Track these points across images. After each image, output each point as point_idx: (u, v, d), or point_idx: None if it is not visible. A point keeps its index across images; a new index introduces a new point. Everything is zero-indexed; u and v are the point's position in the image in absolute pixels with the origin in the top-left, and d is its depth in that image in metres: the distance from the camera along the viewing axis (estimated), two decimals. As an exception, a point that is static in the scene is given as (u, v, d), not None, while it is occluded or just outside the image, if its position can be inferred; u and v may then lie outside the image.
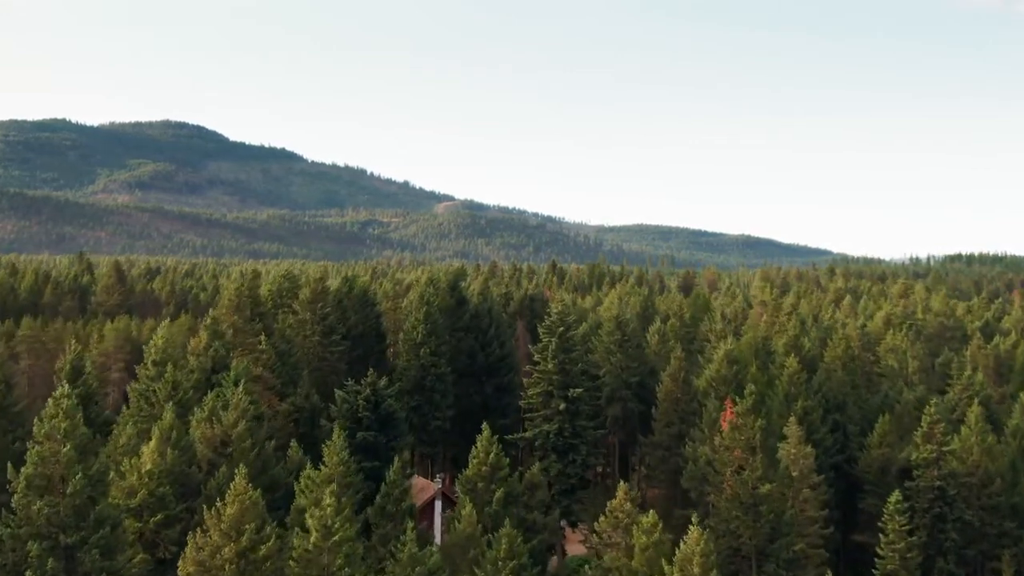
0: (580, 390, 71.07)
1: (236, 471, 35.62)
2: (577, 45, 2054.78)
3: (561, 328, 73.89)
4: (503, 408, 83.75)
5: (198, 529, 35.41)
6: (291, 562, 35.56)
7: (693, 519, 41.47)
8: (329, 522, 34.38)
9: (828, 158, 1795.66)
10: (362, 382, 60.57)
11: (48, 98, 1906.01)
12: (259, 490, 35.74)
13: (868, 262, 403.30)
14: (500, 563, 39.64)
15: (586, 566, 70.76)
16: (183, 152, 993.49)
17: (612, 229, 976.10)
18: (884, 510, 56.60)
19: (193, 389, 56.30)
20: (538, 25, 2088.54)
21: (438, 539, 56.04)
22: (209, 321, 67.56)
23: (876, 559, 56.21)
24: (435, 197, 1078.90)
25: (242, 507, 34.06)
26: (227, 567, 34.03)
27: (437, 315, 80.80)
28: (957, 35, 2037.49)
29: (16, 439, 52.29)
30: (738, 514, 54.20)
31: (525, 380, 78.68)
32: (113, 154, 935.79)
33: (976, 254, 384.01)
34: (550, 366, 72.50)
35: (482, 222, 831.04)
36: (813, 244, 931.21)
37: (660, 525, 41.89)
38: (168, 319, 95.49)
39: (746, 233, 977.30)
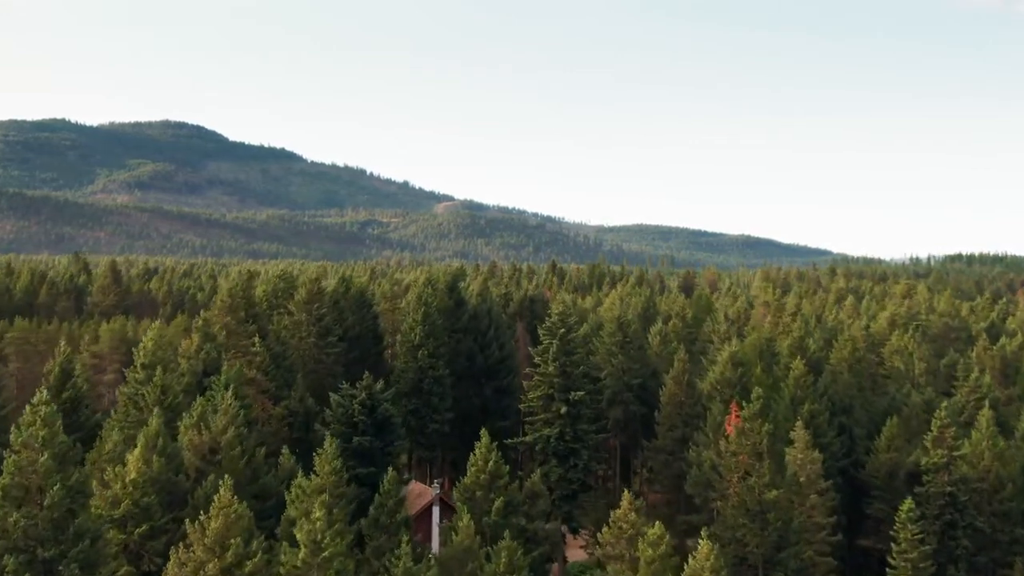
0: (582, 393, 69.53)
1: (221, 482, 33.94)
2: (577, 45, 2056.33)
3: (562, 330, 72.34)
4: (503, 411, 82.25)
5: (180, 544, 33.75)
6: (279, 578, 33.97)
7: (703, 533, 39.81)
8: (318, 537, 32.72)
9: (828, 158, 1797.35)
10: (357, 385, 58.94)
11: (48, 98, 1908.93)
12: (245, 503, 34.04)
13: (868, 262, 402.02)
14: (499, 576, 38.01)
15: (587, 574, 69.33)
16: (182, 152, 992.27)
17: (612, 229, 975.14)
18: (896, 518, 55.01)
19: (183, 393, 54.69)
20: (538, 25, 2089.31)
21: (435, 547, 54.42)
22: (200, 323, 65.87)
23: (888, 568, 54.64)
24: (435, 197, 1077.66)
25: (227, 521, 32.41)
26: (212, 584, 32.44)
27: (435, 316, 79.23)
28: (957, 35, 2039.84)
29: None
30: (744, 522, 52.64)
31: (525, 382, 77.15)
32: (112, 154, 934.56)
33: (976, 254, 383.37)
34: (551, 369, 70.95)
35: (482, 222, 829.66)
36: (813, 244, 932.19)
37: (667, 537, 40.22)
38: (162, 320, 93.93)
39: (746, 233, 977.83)
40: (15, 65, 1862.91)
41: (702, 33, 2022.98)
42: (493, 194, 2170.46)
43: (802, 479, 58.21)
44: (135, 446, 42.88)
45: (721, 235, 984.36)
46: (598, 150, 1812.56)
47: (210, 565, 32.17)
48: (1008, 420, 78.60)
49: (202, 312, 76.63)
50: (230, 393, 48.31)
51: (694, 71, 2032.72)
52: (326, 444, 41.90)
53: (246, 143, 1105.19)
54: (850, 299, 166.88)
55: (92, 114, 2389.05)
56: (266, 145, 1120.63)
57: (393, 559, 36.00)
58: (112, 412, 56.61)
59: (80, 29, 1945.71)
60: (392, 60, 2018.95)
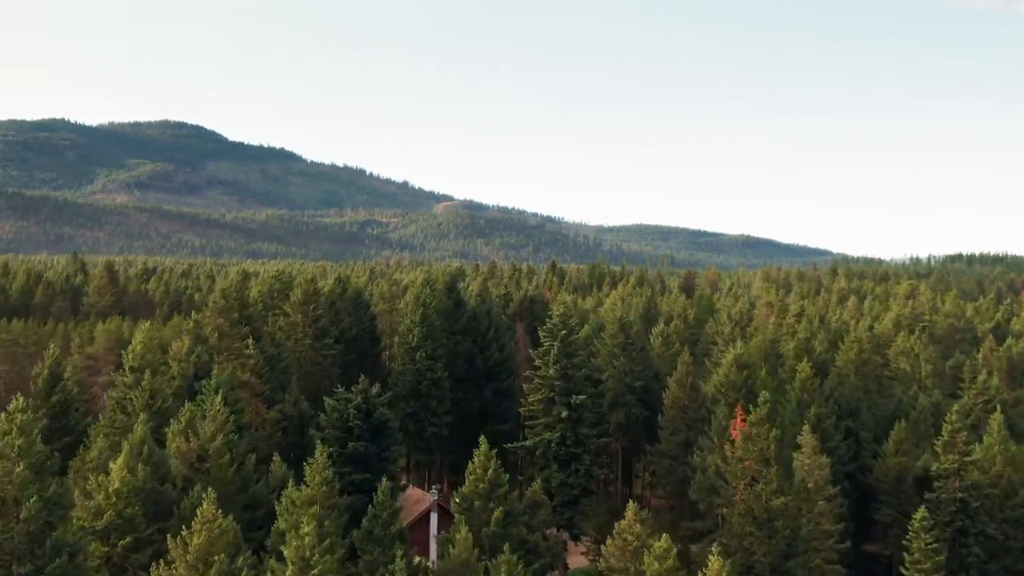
0: (583, 397, 67.99)
1: (204, 495, 32.23)
2: (577, 45, 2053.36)
3: (563, 332, 70.78)
4: (502, 413, 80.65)
5: (161, 560, 32.05)
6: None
7: (714, 549, 38.11)
8: (307, 553, 31.04)
9: (828, 158, 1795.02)
10: (353, 389, 57.26)
11: (47, 98, 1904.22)
12: (231, 516, 32.30)
13: (868, 262, 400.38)
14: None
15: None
16: (182, 152, 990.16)
17: (611, 229, 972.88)
18: (909, 527, 53.39)
19: (173, 397, 53.01)
20: (538, 25, 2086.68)
21: (433, 557, 52.80)
22: (192, 324, 64.12)
23: (900, 577, 53.12)
24: (434, 197, 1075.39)
25: (211, 536, 30.72)
26: (196, 600, 30.80)
27: (434, 317, 77.58)
28: (957, 35, 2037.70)
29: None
30: (751, 530, 50.99)
31: (525, 385, 75.53)
32: (112, 154, 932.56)
33: (977, 254, 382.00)
34: (551, 371, 69.39)
35: (481, 222, 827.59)
36: (813, 244, 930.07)
37: (674, 550, 38.53)
38: (155, 320, 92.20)
39: (746, 233, 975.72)
40: (15, 65, 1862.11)
41: (702, 33, 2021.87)
42: (493, 194, 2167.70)
43: (810, 485, 56.64)
44: (120, 453, 41.20)
45: (721, 235, 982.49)
46: (598, 150, 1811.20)
47: (193, 582, 30.56)
48: (1017, 423, 77.02)
49: (194, 313, 74.98)
50: (219, 398, 46.57)
51: (694, 71, 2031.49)
52: (317, 452, 40.03)
53: (245, 143, 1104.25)
54: (852, 300, 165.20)
55: (91, 114, 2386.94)
56: (265, 145, 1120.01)
57: (387, 575, 34.35)
58: (100, 417, 54.92)
59: (80, 29, 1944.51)
60: (392, 60, 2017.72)
